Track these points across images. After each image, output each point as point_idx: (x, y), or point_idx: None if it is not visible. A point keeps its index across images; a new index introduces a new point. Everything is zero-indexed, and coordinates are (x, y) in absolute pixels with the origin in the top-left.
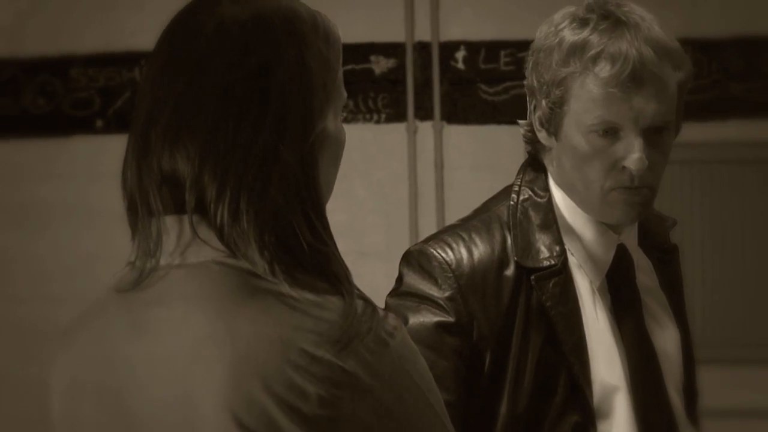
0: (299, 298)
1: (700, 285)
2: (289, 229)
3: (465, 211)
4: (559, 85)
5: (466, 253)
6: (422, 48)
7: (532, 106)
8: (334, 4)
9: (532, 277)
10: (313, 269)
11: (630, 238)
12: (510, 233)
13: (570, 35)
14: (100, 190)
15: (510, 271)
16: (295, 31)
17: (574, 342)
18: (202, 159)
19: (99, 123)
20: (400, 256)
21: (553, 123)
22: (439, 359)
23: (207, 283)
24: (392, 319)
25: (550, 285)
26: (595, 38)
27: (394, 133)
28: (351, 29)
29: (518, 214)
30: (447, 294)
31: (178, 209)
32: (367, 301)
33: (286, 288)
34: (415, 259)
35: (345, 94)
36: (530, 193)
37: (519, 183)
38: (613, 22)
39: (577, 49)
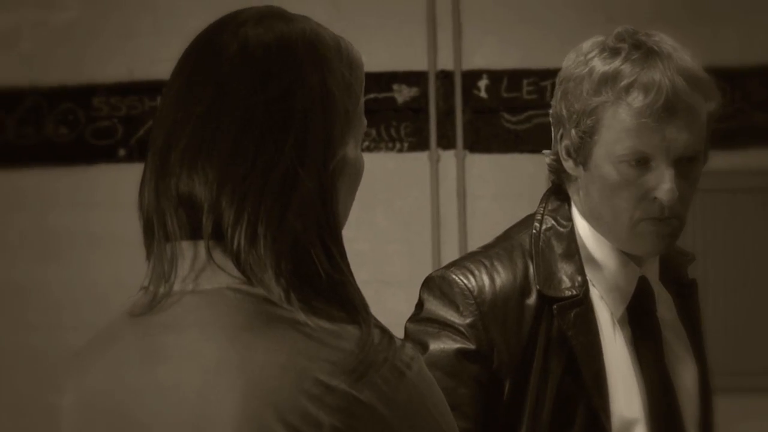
0: (315, 327)
1: (723, 313)
2: (307, 257)
3: (487, 240)
4: (591, 114)
5: (488, 280)
6: (445, 77)
7: (558, 135)
8: (357, 32)
9: (555, 307)
10: (330, 298)
11: (651, 271)
12: (532, 262)
13: (601, 65)
14: (122, 219)
15: (531, 300)
16: (319, 56)
17: (594, 373)
18: (221, 183)
19: (121, 152)
20: None
21: (582, 152)
22: (459, 386)
23: (221, 310)
24: (409, 349)
25: (572, 315)
26: (627, 68)
27: (417, 161)
28: (374, 58)
29: (541, 243)
30: (468, 321)
31: (194, 234)
32: (384, 331)
33: (301, 316)
34: (436, 285)
35: (365, 122)
36: (553, 222)
37: (542, 212)
38: (645, 51)
39: (609, 79)
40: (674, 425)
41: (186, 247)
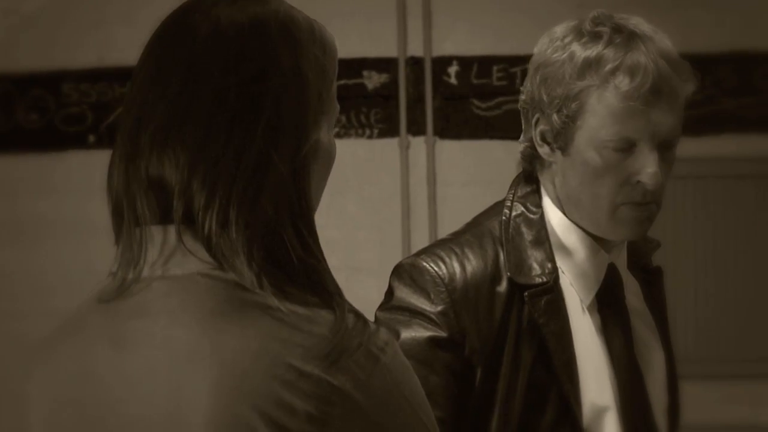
0: (288, 312)
1: (693, 300)
2: (279, 242)
3: (457, 227)
4: (574, 99)
5: (459, 267)
6: (415, 63)
7: (534, 121)
8: (328, 17)
9: (526, 294)
10: (303, 283)
11: (620, 258)
12: (503, 249)
13: (582, 49)
14: (94, 205)
15: (502, 287)
16: (293, 38)
17: (565, 360)
18: (192, 166)
19: (92, 138)
20: None
21: (562, 137)
22: (431, 375)
23: (192, 296)
24: (384, 334)
25: (543, 302)
26: (611, 52)
27: (387, 148)
28: (344, 44)
29: (511, 230)
30: (439, 308)
31: (164, 218)
32: (358, 315)
33: (274, 301)
34: (406, 272)
35: (338, 107)
36: (523, 208)
37: (511, 198)
38: (627, 35)
39: (593, 63)
40: (643, 412)
41: (155, 231)
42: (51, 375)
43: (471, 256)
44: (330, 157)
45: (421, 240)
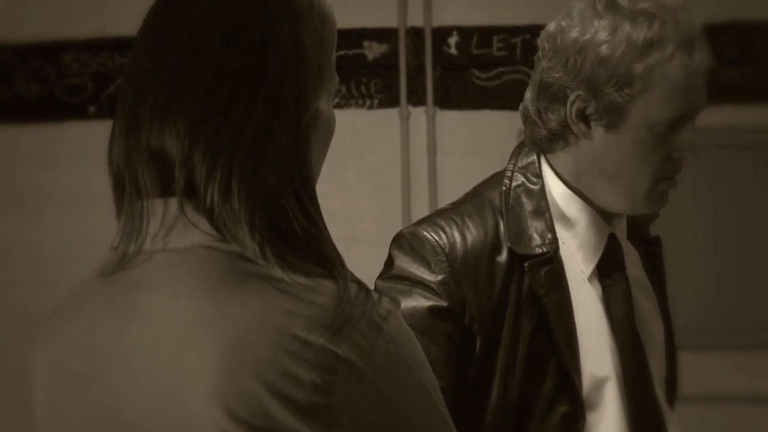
0: (291, 282)
1: (694, 271)
2: (281, 211)
3: (458, 197)
4: (639, 78)
5: (460, 237)
6: (415, 33)
7: (572, 98)
8: None
9: (526, 264)
10: (305, 253)
11: (620, 229)
12: (503, 219)
13: (638, 29)
14: (93, 176)
15: (502, 258)
16: (291, 8)
17: (565, 331)
18: (193, 137)
19: (92, 109)
20: None
21: (615, 115)
22: (432, 344)
23: (194, 268)
24: (386, 303)
25: (543, 273)
26: (670, 30)
27: (387, 118)
28: (344, 14)
29: (511, 200)
30: (440, 278)
31: (165, 191)
32: (361, 285)
33: (277, 272)
34: (407, 241)
35: (337, 78)
36: (523, 179)
37: (512, 169)
38: (672, 11)
39: (655, 42)
40: (644, 383)
41: (157, 204)
42: (54, 349)
43: (471, 226)
44: (330, 128)
45: (421, 210)
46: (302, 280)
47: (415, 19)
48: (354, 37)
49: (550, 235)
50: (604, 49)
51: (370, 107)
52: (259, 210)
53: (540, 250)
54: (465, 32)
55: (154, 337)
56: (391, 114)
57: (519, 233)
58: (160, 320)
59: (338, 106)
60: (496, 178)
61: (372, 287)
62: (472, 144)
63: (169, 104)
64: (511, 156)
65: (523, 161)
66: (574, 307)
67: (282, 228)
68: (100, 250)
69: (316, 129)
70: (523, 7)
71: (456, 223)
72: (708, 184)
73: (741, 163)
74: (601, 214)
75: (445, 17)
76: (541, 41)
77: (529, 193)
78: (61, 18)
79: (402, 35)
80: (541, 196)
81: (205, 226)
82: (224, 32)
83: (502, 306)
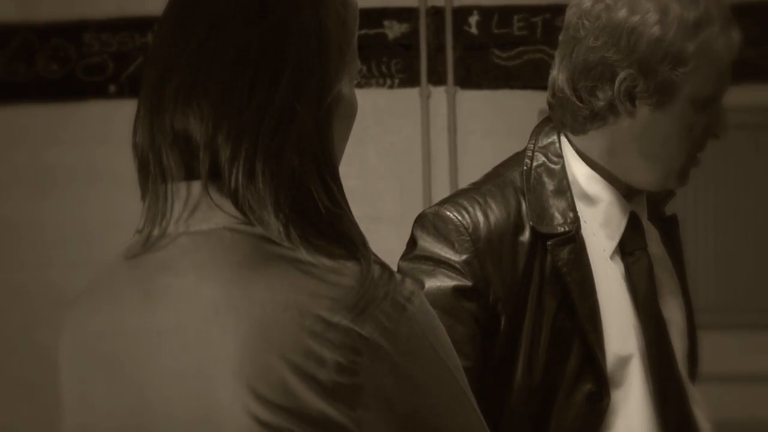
0: (315, 264)
1: (710, 250)
2: (306, 192)
3: (478, 176)
4: (693, 56)
5: (483, 217)
6: (435, 13)
7: (622, 77)
8: None
9: (549, 243)
10: (329, 234)
11: (640, 207)
12: (525, 199)
13: (685, 9)
14: (113, 155)
15: (525, 237)
16: None
17: (588, 309)
18: (216, 119)
19: (112, 88)
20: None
21: (666, 93)
22: (456, 324)
23: (219, 250)
24: (410, 284)
25: (565, 251)
26: (713, 9)
27: (408, 98)
28: None
29: (532, 180)
30: (464, 257)
31: (189, 174)
32: (384, 266)
33: (301, 253)
34: (430, 222)
35: (359, 61)
36: (544, 158)
37: (532, 148)
38: None
39: (703, 21)
40: (668, 360)
41: (181, 187)
42: (82, 331)
43: (494, 206)
44: (352, 110)
45: (441, 190)
46: (326, 261)
47: None
48: (375, 16)
49: (571, 214)
50: (657, 30)
51: (391, 87)
52: (283, 191)
53: (562, 229)
54: (485, 11)
55: (179, 319)
56: (411, 93)
57: (541, 212)
58: (186, 302)
59: (359, 85)
60: (517, 158)
61: (394, 267)
62: (493, 123)
63: (192, 87)
64: (531, 135)
65: (543, 141)
66: (597, 285)
67: (306, 209)
68: (120, 230)
69: (338, 111)
70: None
71: (479, 203)
72: (728, 163)
73: (761, 143)
74: (623, 193)
75: None
76: (577, 19)
77: (551, 172)
78: None
79: (422, 15)
80: (562, 175)
81: (229, 208)
82: (247, 15)
83: (525, 285)
